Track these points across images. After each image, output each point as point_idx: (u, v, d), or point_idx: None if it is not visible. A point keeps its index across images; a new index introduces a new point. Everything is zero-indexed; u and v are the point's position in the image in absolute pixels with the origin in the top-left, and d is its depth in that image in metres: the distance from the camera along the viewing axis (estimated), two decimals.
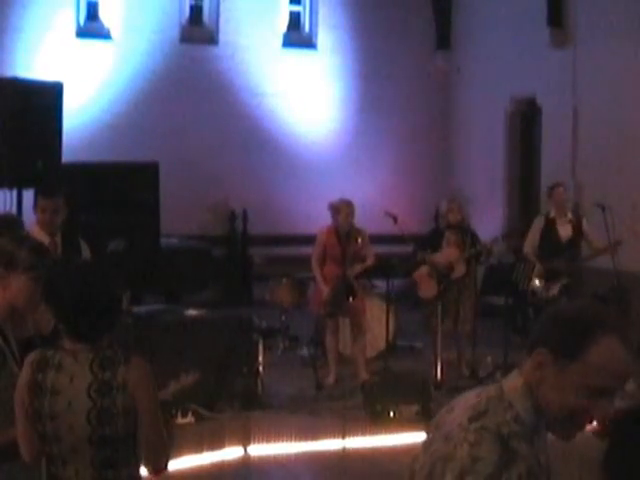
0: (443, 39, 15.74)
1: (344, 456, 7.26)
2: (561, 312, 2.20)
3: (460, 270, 9.23)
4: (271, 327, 10.63)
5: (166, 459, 3.12)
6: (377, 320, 9.63)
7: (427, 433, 2.31)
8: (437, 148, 15.82)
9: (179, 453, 6.65)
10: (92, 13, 14.41)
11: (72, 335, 3.06)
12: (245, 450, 7.22)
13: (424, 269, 9.34)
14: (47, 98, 8.81)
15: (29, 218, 6.76)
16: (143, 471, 3.16)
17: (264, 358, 8.44)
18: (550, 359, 2.12)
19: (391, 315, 9.41)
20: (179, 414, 7.57)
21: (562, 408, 2.12)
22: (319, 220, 9.74)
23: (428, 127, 15.76)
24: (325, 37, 15.49)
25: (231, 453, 7.16)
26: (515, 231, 13.27)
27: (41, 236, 6.02)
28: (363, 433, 7.55)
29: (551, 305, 2.31)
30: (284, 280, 10.71)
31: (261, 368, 8.28)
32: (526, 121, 14.52)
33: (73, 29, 14.19)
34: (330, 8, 15.47)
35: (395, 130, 15.61)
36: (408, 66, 15.58)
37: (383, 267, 9.12)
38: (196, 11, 15.09)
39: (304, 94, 15.22)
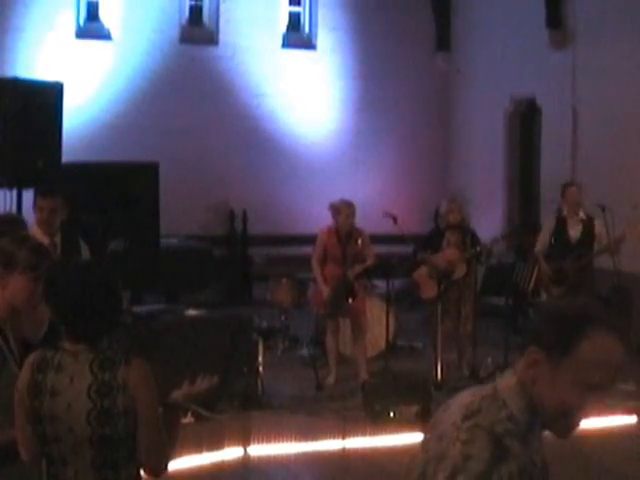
0: (443, 40, 15.75)
1: (344, 456, 7.26)
2: (551, 310, 2.23)
3: (460, 270, 9.23)
4: (271, 327, 10.64)
5: (166, 461, 3.10)
6: (377, 320, 9.63)
7: (425, 433, 2.32)
8: (437, 148, 15.83)
9: (179, 453, 6.65)
10: (92, 13, 14.41)
11: (72, 335, 3.05)
12: (245, 450, 7.22)
13: (424, 269, 9.34)
14: (47, 98, 8.80)
15: (29, 218, 6.75)
16: (143, 472, 3.15)
17: (264, 358, 8.44)
18: (543, 357, 2.13)
19: (391, 315, 9.41)
20: None
21: (558, 405, 2.13)
22: (319, 220, 9.75)
23: (428, 128, 15.77)
24: (325, 38, 15.50)
25: (231, 453, 7.16)
26: (515, 231, 13.29)
27: (40, 236, 6.02)
28: (363, 433, 7.55)
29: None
30: (284, 280, 10.71)
31: (261, 368, 8.29)
32: (526, 121, 14.53)
33: (73, 29, 14.20)
34: (330, 9, 15.48)
35: (395, 131, 15.61)
36: (408, 67, 15.59)
37: (383, 267, 9.12)
38: (196, 11, 15.10)
39: (304, 95, 15.23)
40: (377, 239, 9.63)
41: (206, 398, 3.38)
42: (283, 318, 10.69)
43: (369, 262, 9.03)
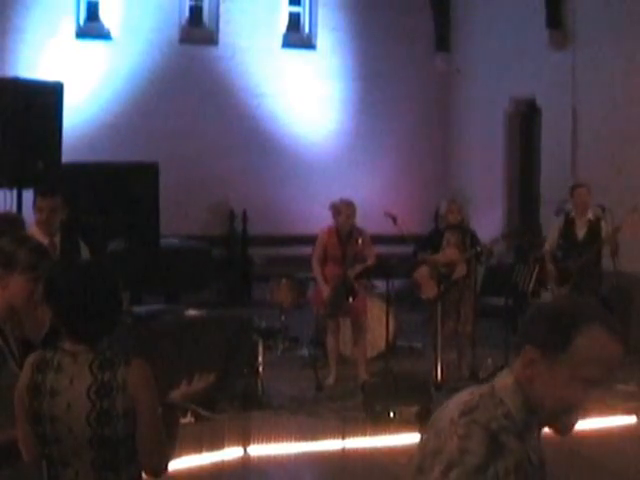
0: (443, 40, 15.75)
1: (344, 456, 7.26)
2: (544, 309, 2.24)
3: (460, 271, 9.23)
4: (271, 327, 10.64)
5: (166, 461, 3.10)
6: (377, 320, 9.63)
7: (423, 433, 2.33)
8: (437, 149, 15.83)
9: (179, 453, 6.65)
10: (92, 14, 14.41)
11: (72, 336, 3.04)
12: (245, 450, 7.22)
13: (424, 270, 9.34)
14: (48, 98, 8.80)
15: (29, 218, 6.75)
16: (144, 473, 3.15)
17: (264, 358, 8.44)
18: (538, 355, 2.14)
19: (391, 315, 9.41)
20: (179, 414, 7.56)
21: (557, 402, 2.14)
22: (319, 220, 9.75)
23: (428, 128, 15.78)
24: (325, 38, 15.50)
25: (231, 453, 7.16)
26: (515, 231, 13.29)
27: (40, 236, 6.00)
28: (363, 434, 7.55)
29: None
30: (284, 280, 10.72)
31: (261, 368, 8.28)
32: (525, 122, 14.53)
33: (73, 29, 14.20)
34: (330, 9, 15.48)
35: (395, 131, 15.61)
36: (408, 67, 15.59)
37: (383, 267, 9.12)
38: (196, 12, 15.10)
39: (303, 95, 15.23)
40: (377, 239, 9.63)
41: (204, 397, 3.37)
42: (283, 318, 10.70)
43: (369, 262, 9.03)
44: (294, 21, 15.56)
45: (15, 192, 8.47)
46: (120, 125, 13.99)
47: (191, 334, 8.06)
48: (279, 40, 15.29)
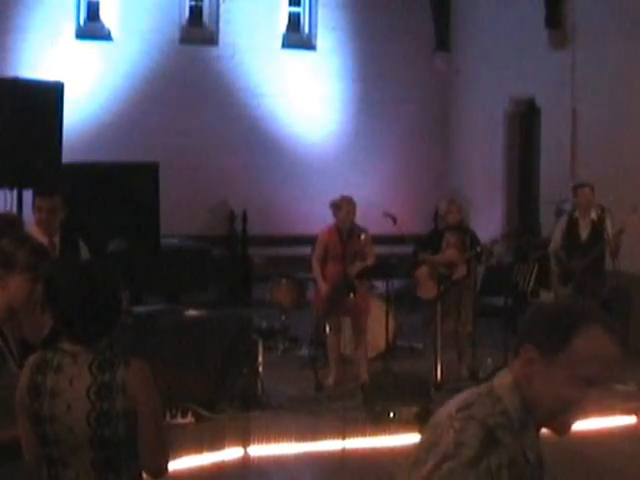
0: (442, 41, 15.75)
1: (344, 457, 7.26)
2: (544, 308, 2.26)
3: (460, 271, 9.24)
4: (271, 327, 10.65)
5: (166, 462, 3.09)
6: (377, 320, 9.63)
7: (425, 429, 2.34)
8: (436, 149, 15.84)
9: (179, 453, 6.66)
10: (92, 14, 14.42)
11: (71, 336, 3.04)
12: (245, 450, 7.22)
13: (424, 270, 9.34)
14: (48, 98, 8.81)
15: (29, 218, 6.76)
16: (144, 473, 3.15)
17: (264, 358, 8.44)
18: (537, 355, 2.15)
19: (391, 316, 9.41)
20: (179, 414, 7.58)
21: (554, 401, 2.15)
22: (319, 220, 9.77)
23: (427, 128, 15.78)
24: (324, 38, 15.51)
25: (231, 453, 7.16)
26: (514, 231, 13.30)
27: (39, 236, 5.99)
28: (363, 434, 7.55)
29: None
30: (284, 280, 10.72)
31: (261, 368, 8.29)
32: (525, 122, 14.54)
33: (74, 30, 14.20)
34: (329, 9, 15.48)
35: (394, 131, 15.62)
36: (407, 67, 15.59)
37: (383, 267, 9.12)
38: (196, 12, 15.10)
39: (303, 95, 15.23)
40: (377, 239, 9.63)
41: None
42: (283, 318, 10.70)
43: (369, 262, 9.03)
44: (294, 21, 15.57)
45: (15, 192, 8.48)
46: (120, 125, 14.00)
47: (191, 334, 8.07)
48: (279, 40, 15.29)
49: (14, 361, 3.49)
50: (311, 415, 8.07)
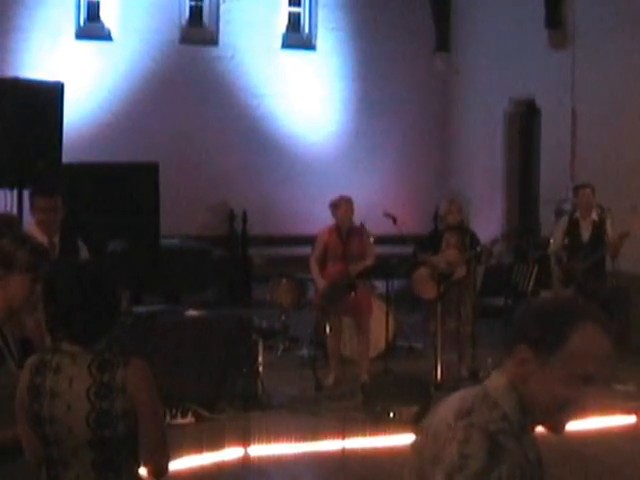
0: (442, 41, 15.76)
1: (344, 456, 7.26)
2: (535, 307, 2.23)
3: (461, 271, 9.24)
4: (271, 327, 10.65)
5: (167, 462, 3.09)
6: (377, 320, 9.63)
7: (416, 436, 2.32)
8: (436, 149, 15.84)
9: (179, 453, 6.66)
10: (92, 14, 14.42)
11: (70, 336, 3.05)
12: (245, 450, 7.22)
13: (424, 270, 9.34)
14: (48, 98, 8.81)
15: (29, 218, 6.75)
16: (146, 473, 3.15)
17: (264, 358, 8.45)
18: (532, 355, 2.14)
19: (391, 316, 9.42)
20: (179, 414, 7.58)
21: (551, 400, 2.14)
22: (319, 221, 9.77)
23: (427, 128, 15.78)
24: (324, 39, 15.51)
25: (231, 453, 7.16)
26: (514, 232, 13.30)
27: (39, 236, 5.98)
28: (363, 434, 7.54)
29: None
30: (284, 281, 10.72)
31: (261, 368, 8.29)
32: (525, 122, 14.54)
33: (74, 30, 14.21)
34: (329, 10, 15.49)
35: (394, 131, 15.62)
36: (407, 68, 15.60)
37: (383, 267, 9.13)
38: (196, 12, 15.10)
39: (303, 95, 15.24)
40: (377, 239, 9.64)
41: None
42: (283, 318, 10.70)
43: (368, 262, 9.04)
44: (294, 21, 15.57)
45: (15, 192, 8.48)
46: (120, 125, 14.00)
47: (191, 334, 8.07)
48: (279, 40, 15.30)
49: (14, 361, 3.50)
50: (311, 415, 8.07)
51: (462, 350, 9.43)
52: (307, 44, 15.54)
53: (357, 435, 7.50)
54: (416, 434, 2.33)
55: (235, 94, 14.93)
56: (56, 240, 6.51)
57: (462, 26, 15.51)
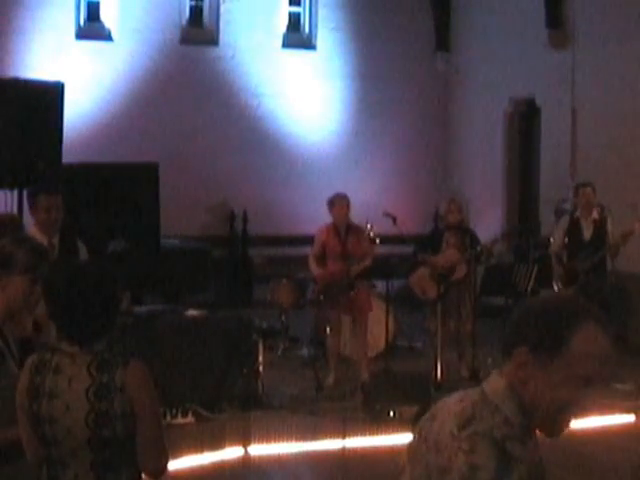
0: (442, 41, 15.76)
1: (344, 456, 7.27)
2: (534, 308, 2.17)
3: (461, 271, 9.24)
4: (271, 327, 10.65)
5: (165, 462, 3.09)
6: (377, 320, 9.64)
7: (412, 441, 2.26)
8: (436, 149, 15.84)
9: (179, 453, 6.67)
10: (92, 14, 14.42)
11: (68, 336, 3.05)
12: (245, 450, 7.23)
13: (424, 270, 9.35)
14: (48, 98, 8.81)
15: (29, 219, 6.74)
16: (143, 473, 3.15)
17: (264, 358, 8.46)
18: (532, 357, 2.10)
19: (391, 315, 9.43)
20: (179, 414, 7.59)
21: (552, 403, 2.11)
22: (319, 220, 9.76)
23: (427, 128, 15.78)
24: (325, 38, 15.51)
25: (231, 453, 7.17)
26: (514, 231, 13.30)
27: (39, 237, 5.98)
28: (363, 433, 7.56)
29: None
30: (284, 281, 10.72)
31: (261, 368, 8.30)
32: (525, 122, 14.54)
33: (73, 30, 14.21)
34: (330, 9, 15.49)
35: (394, 131, 15.62)
36: (407, 67, 15.60)
37: (383, 267, 9.13)
38: (196, 12, 15.10)
39: (303, 95, 15.24)
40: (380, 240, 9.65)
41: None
42: (283, 318, 10.70)
43: (366, 262, 9.04)
44: (294, 21, 15.57)
45: (16, 192, 8.48)
46: (120, 126, 14.01)
47: (191, 334, 8.08)
48: (279, 40, 15.30)
49: (14, 361, 3.50)
50: (311, 415, 8.08)
51: (462, 350, 9.44)
52: (307, 44, 15.54)
53: (357, 435, 7.51)
54: (412, 438, 2.27)
55: (235, 94, 14.93)
56: (55, 241, 6.49)
57: (462, 26, 15.51)
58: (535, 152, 14.18)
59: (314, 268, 9.15)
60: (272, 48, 15.17)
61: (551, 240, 10.05)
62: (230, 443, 7.23)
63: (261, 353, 8.36)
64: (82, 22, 14.36)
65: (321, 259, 9.14)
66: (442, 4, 15.63)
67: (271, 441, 7.34)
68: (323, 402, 8.47)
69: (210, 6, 15.04)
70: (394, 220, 9.53)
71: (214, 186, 14.52)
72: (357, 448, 7.38)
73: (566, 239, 9.65)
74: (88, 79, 13.90)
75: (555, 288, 9.71)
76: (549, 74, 13.24)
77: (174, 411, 7.54)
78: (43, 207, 6.41)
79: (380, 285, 10.10)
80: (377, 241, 9.20)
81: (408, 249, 9.82)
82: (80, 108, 13.28)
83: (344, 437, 7.43)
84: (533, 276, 9.34)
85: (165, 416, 7.38)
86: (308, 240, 9.57)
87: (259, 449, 7.27)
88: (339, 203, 9.08)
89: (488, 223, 13.50)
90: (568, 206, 11.49)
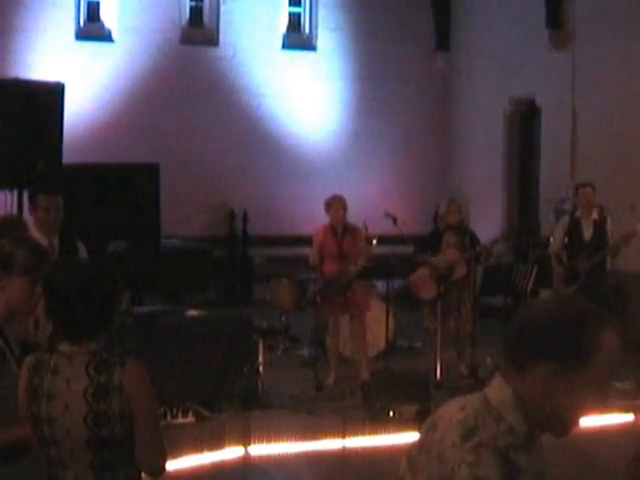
0: (443, 40, 15.77)
1: (344, 456, 7.28)
2: (548, 318, 2.09)
3: (461, 271, 9.25)
4: (271, 327, 10.66)
5: (163, 461, 3.09)
6: (377, 320, 9.65)
7: (412, 450, 2.22)
8: (436, 149, 15.85)
9: (179, 453, 6.67)
10: (93, 14, 14.43)
11: (66, 336, 3.06)
12: (245, 450, 7.24)
13: (424, 270, 9.36)
14: (48, 99, 8.81)
15: (29, 219, 6.75)
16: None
17: (264, 358, 8.47)
18: (557, 369, 2.05)
19: (391, 315, 9.44)
20: (179, 414, 7.60)
21: (571, 409, 2.09)
22: (319, 221, 9.77)
23: (428, 128, 15.79)
24: (325, 39, 15.52)
25: (231, 453, 7.17)
26: (514, 231, 13.30)
27: (39, 237, 5.99)
28: (363, 433, 7.56)
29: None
30: (284, 280, 10.73)
31: (261, 368, 8.31)
32: (525, 122, 14.55)
33: (74, 30, 14.22)
34: (330, 10, 15.50)
35: (395, 131, 15.63)
36: (408, 67, 15.61)
37: (383, 267, 9.14)
38: (196, 12, 15.11)
39: (304, 95, 15.25)
40: (377, 240, 9.66)
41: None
42: (283, 318, 10.71)
43: (360, 261, 9.05)
44: (294, 22, 15.58)
45: (16, 193, 8.48)
46: (121, 126, 14.02)
47: (191, 334, 8.08)
48: (279, 41, 15.31)
49: (15, 362, 3.51)
50: (311, 414, 8.08)
51: (461, 349, 9.45)
52: (307, 44, 15.55)
53: (357, 434, 7.52)
54: (412, 447, 2.23)
55: (235, 94, 14.94)
56: (55, 241, 6.50)
57: (462, 26, 15.52)
58: (535, 152, 14.19)
59: (317, 267, 9.17)
60: (272, 48, 15.18)
61: (551, 240, 10.05)
62: (230, 443, 7.23)
63: (261, 353, 8.37)
64: (82, 22, 14.37)
65: (321, 260, 9.16)
66: (442, 4, 15.64)
67: (271, 441, 7.34)
68: (323, 402, 8.47)
69: (210, 6, 15.05)
70: (394, 220, 9.53)
71: (214, 186, 14.53)
72: (357, 448, 7.39)
73: (566, 239, 9.65)
74: (88, 79, 13.91)
75: (555, 288, 9.71)
76: (549, 74, 13.25)
77: (174, 411, 7.55)
78: (42, 207, 6.43)
79: (380, 285, 10.11)
80: (374, 241, 9.21)
81: (408, 249, 9.83)
82: (80, 108, 13.29)
83: (344, 437, 7.44)
84: (532, 276, 9.35)
85: (165, 416, 7.39)
86: (308, 240, 9.58)
87: (259, 449, 7.27)
88: (336, 204, 9.11)
89: (488, 223, 13.50)
90: (568, 206, 11.49)
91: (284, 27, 15.44)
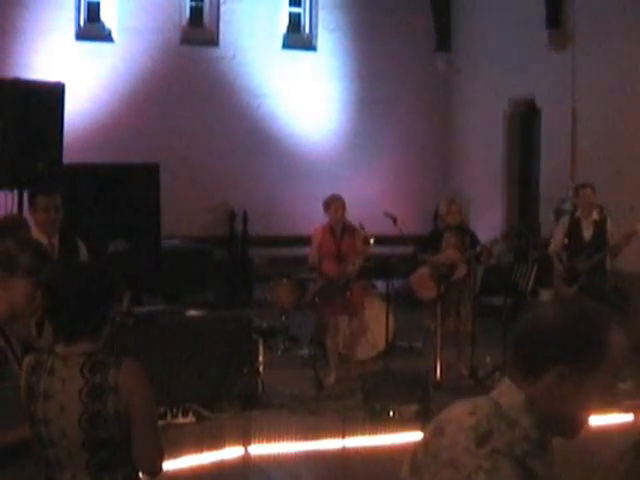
0: (443, 41, 15.79)
1: (344, 456, 7.28)
2: (558, 321, 2.08)
3: (461, 271, 9.26)
4: (271, 327, 10.66)
5: (160, 462, 3.09)
6: (377, 320, 9.65)
7: (416, 455, 2.17)
8: (437, 149, 15.86)
9: (179, 453, 6.68)
10: (93, 15, 14.44)
11: (61, 336, 3.06)
12: (245, 450, 7.24)
13: (424, 270, 9.36)
14: (48, 99, 8.81)
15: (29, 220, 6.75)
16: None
17: (264, 358, 8.46)
18: (567, 372, 2.03)
19: (391, 315, 9.44)
20: (179, 414, 7.60)
21: (583, 410, 2.07)
22: (319, 221, 9.78)
23: (428, 128, 15.80)
24: (325, 39, 15.53)
25: (231, 453, 7.17)
26: (514, 231, 13.31)
27: (40, 237, 6.00)
28: (363, 433, 7.56)
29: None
30: (284, 281, 10.73)
31: (261, 368, 8.31)
32: (525, 122, 14.56)
33: (74, 31, 14.23)
34: (330, 10, 15.51)
35: (395, 131, 15.64)
36: (408, 68, 15.62)
37: (383, 267, 9.14)
38: (196, 12, 15.12)
39: (304, 95, 15.26)
40: (377, 240, 9.66)
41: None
42: (283, 318, 10.72)
43: (359, 261, 9.05)
44: (294, 22, 15.60)
45: (16, 193, 8.48)
46: (121, 126, 14.02)
47: (191, 334, 8.09)
48: (279, 41, 15.32)
49: (17, 363, 3.51)
50: (311, 414, 8.08)
51: (461, 349, 9.46)
52: (307, 44, 15.56)
53: (357, 434, 7.52)
54: (416, 453, 2.18)
55: (236, 94, 14.95)
56: (55, 241, 6.51)
57: (462, 26, 15.53)
58: (535, 152, 14.19)
59: (317, 267, 9.18)
60: (272, 49, 15.19)
61: (551, 240, 10.05)
62: (230, 443, 7.23)
63: (261, 353, 8.37)
64: (82, 23, 14.38)
65: (320, 260, 9.16)
66: (442, 4, 15.65)
67: (271, 441, 7.34)
68: (323, 401, 8.48)
69: (210, 6, 15.06)
70: (394, 221, 9.54)
71: (214, 186, 14.54)
72: (357, 447, 7.39)
73: (566, 239, 9.65)
74: (88, 79, 13.92)
75: (555, 288, 9.71)
76: (549, 74, 13.26)
77: (174, 411, 7.55)
78: (42, 207, 6.44)
79: (380, 285, 10.11)
80: (371, 241, 9.20)
81: (408, 249, 9.84)
82: (80, 108, 13.29)
83: (344, 436, 7.44)
84: (533, 276, 9.35)
85: (165, 416, 7.39)
86: (308, 240, 9.58)
87: (259, 449, 7.27)
88: (334, 204, 9.11)
89: (488, 223, 13.51)
90: (568, 206, 11.49)
91: (284, 27, 15.45)
